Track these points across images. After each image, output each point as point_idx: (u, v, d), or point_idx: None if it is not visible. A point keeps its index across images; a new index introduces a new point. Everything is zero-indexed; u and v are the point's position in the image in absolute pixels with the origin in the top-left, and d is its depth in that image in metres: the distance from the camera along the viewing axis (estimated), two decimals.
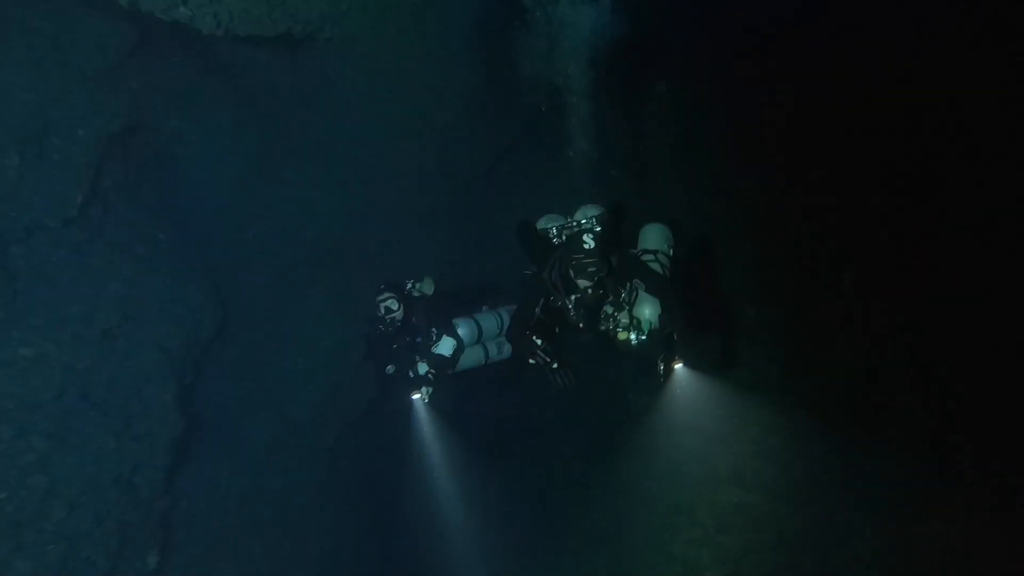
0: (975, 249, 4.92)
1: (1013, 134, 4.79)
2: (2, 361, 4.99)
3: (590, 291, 4.73)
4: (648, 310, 4.79)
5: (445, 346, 5.94)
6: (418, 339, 6.14)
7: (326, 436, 7.74)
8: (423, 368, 5.97)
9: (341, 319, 7.47)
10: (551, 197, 7.71)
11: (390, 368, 6.20)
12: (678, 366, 5.14)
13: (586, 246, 4.58)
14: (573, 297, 4.79)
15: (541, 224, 5.22)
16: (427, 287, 6.32)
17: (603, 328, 4.97)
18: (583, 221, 5.08)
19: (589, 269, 4.62)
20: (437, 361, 5.93)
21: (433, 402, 6.21)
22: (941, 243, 5.09)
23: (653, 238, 5.25)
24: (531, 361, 4.81)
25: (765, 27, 6.80)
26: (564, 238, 5.04)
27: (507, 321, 6.45)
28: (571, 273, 4.72)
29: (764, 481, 5.40)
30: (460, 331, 6.11)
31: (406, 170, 7.62)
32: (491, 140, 8.25)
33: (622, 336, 4.88)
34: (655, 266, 5.14)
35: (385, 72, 6.96)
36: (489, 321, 6.41)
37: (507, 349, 6.67)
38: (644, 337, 4.84)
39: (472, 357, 6.37)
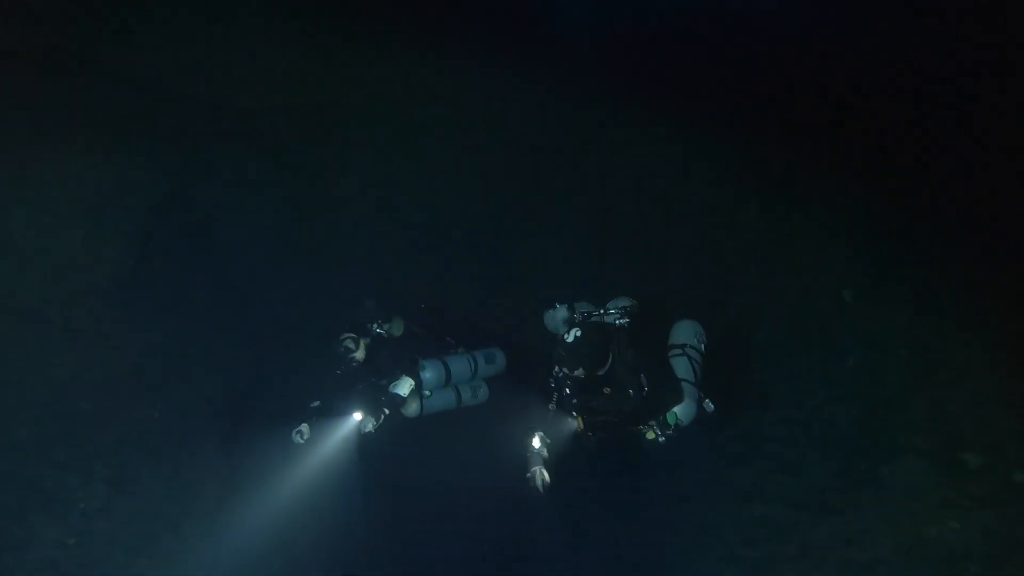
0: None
1: None
2: (65, 414, 5.40)
3: (568, 378, 4.93)
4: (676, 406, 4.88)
5: (402, 386, 5.86)
6: (383, 381, 6.04)
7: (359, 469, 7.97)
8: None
9: None
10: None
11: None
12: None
13: (568, 339, 4.77)
14: (559, 380, 5.01)
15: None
16: (396, 328, 6.22)
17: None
18: (612, 311, 5.18)
19: (564, 362, 4.83)
20: (390, 400, 5.87)
21: (376, 436, 5.99)
22: None
23: (683, 333, 5.36)
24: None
25: None
26: None
27: (481, 365, 6.38)
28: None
29: (784, 493, 5.62)
30: (426, 374, 6.00)
31: (428, 223, 8.04)
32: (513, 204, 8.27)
33: (649, 436, 4.97)
34: (682, 360, 5.23)
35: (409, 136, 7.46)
36: (460, 364, 6.23)
37: (483, 393, 6.53)
38: (671, 432, 4.94)
39: (441, 400, 6.23)
